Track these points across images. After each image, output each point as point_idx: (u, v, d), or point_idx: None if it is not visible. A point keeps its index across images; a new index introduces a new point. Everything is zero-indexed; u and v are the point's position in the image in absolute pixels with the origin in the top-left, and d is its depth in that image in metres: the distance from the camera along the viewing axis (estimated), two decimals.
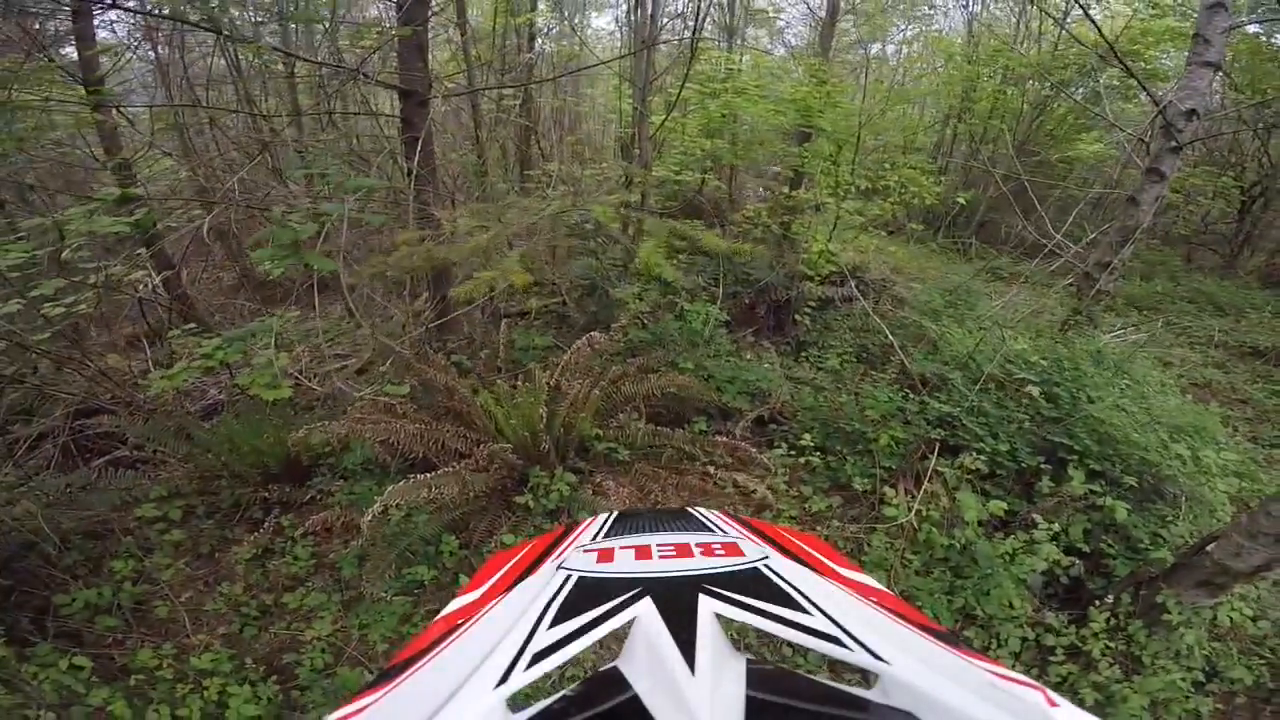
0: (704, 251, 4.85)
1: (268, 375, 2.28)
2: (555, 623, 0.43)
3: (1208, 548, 2.23)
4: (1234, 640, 2.44)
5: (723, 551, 0.57)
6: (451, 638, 0.46)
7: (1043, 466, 2.85)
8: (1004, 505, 2.62)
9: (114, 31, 5.20)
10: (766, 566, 0.53)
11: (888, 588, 0.57)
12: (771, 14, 10.48)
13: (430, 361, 3.36)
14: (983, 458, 2.89)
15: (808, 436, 3.34)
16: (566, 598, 0.47)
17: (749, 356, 4.37)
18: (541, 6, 7.56)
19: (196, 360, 2.38)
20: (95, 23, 3.76)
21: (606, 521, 0.73)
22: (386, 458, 3.12)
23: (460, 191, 5.49)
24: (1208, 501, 2.73)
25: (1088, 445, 2.85)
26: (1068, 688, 2.18)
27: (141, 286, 3.90)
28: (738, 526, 0.69)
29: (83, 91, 3.53)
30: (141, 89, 6.14)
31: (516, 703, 0.36)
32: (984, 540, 2.54)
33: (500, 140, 6.67)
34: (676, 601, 0.44)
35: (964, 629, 2.42)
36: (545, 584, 0.51)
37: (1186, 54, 3.76)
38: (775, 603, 0.45)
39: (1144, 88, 4.00)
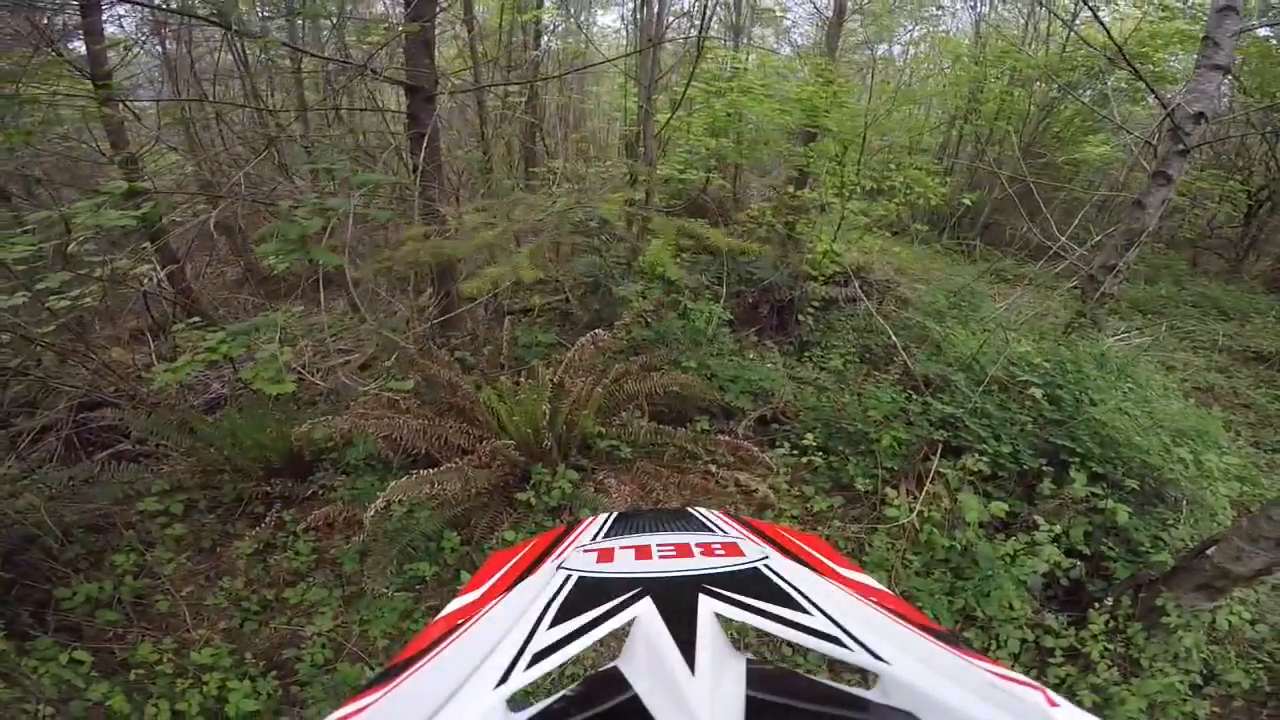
0: (708, 250, 4.85)
1: (272, 369, 2.28)
2: (555, 623, 0.43)
3: (1208, 551, 2.23)
4: (1232, 644, 2.44)
5: (723, 551, 0.57)
6: (451, 637, 0.46)
7: (1044, 468, 2.85)
8: (1005, 507, 2.62)
9: (122, 26, 5.22)
10: (766, 566, 0.53)
11: (888, 588, 0.57)
12: (778, 14, 10.46)
13: (434, 357, 3.36)
14: (985, 459, 2.89)
15: (810, 436, 3.34)
16: (566, 598, 0.47)
17: (752, 356, 4.37)
18: (548, 3, 7.56)
19: (200, 354, 2.38)
20: (104, 17, 3.77)
21: (606, 521, 0.73)
22: (389, 453, 3.13)
23: (465, 188, 5.49)
24: (1209, 505, 2.73)
25: (1090, 448, 2.84)
26: (1066, 689, 2.18)
27: (146, 280, 3.92)
28: (738, 526, 0.69)
29: (90, 86, 3.53)
30: (148, 84, 6.15)
31: (516, 702, 0.37)
32: (985, 541, 2.54)
33: (505, 137, 6.67)
34: (676, 601, 0.44)
35: (964, 630, 2.41)
36: (545, 584, 0.51)
37: (1195, 57, 3.74)
38: (775, 603, 0.45)
39: (1152, 90, 3.99)
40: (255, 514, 3.06)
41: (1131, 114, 8.59)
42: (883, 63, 11.43)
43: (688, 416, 3.60)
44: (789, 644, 2.32)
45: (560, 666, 0.39)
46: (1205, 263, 8.87)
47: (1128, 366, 3.49)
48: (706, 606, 0.43)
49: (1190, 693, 2.22)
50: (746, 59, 7.89)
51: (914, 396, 3.41)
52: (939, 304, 4.80)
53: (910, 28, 11.53)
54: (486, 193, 5.23)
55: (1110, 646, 2.31)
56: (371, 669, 2.29)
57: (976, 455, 2.92)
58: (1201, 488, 2.78)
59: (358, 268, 3.44)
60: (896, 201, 5.17)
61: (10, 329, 2.92)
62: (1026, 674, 0.37)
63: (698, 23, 5.29)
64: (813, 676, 0.37)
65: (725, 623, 0.42)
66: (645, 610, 0.43)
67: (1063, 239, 3.88)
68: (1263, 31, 7.36)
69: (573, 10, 8.10)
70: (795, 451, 3.35)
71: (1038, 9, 8.81)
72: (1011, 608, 2.39)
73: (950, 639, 0.42)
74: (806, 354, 4.55)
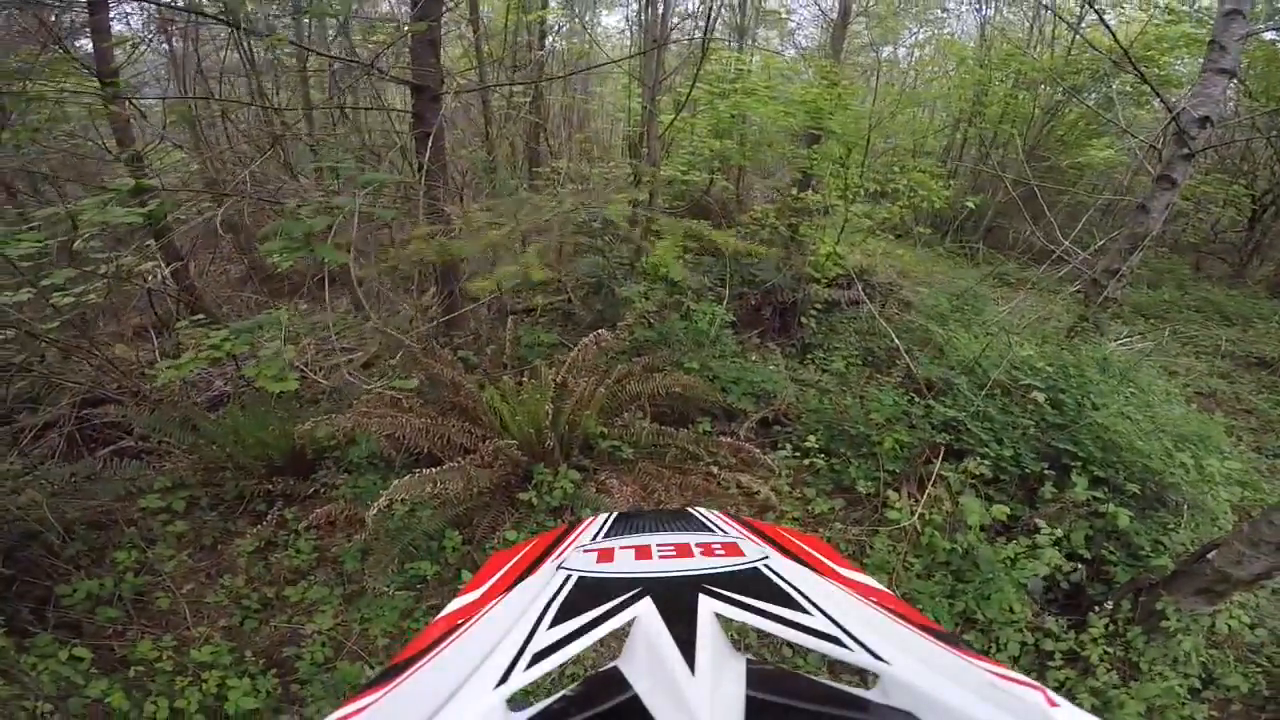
0: (710, 252, 4.85)
1: (275, 367, 2.29)
2: (555, 623, 0.43)
3: (1209, 555, 2.23)
4: (1231, 648, 2.45)
5: (723, 551, 0.57)
6: (452, 637, 0.46)
7: (1046, 472, 2.85)
8: (1007, 510, 2.61)
9: (129, 24, 5.24)
10: (766, 566, 0.53)
11: (889, 590, 0.57)
12: (783, 15, 10.45)
13: (437, 356, 3.37)
14: (987, 463, 2.89)
15: (812, 439, 3.34)
16: (567, 598, 0.47)
17: (754, 358, 4.36)
18: (553, 4, 7.57)
19: (204, 351, 2.39)
20: (110, 15, 3.78)
21: (606, 521, 0.73)
22: (391, 452, 3.13)
23: (469, 188, 5.50)
24: (1210, 510, 2.73)
25: (1092, 452, 2.84)
26: (1065, 693, 2.17)
27: (151, 278, 3.93)
28: (738, 527, 0.69)
29: (97, 84, 3.55)
30: (154, 81, 6.17)
31: (516, 702, 0.37)
32: (986, 545, 2.54)
33: (510, 137, 6.68)
34: (676, 601, 0.44)
35: (964, 633, 2.41)
36: (545, 584, 0.51)
37: (1201, 60, 3.73)
38: (775, 603, 0.45)
39: (1157, 94, 3.98)
40: (257, 512, 3.06)
41: (1136, 118, 8.57)
42: (887, 65, 11.43)
43: (690, 418, 3.60)
44: (789, 644, 2.32)
45: (560, 666, 0.39)
46: (1209, 267, 8.84)
47: (1130, 371, 3.49)
48: (706, 606, 0.43)
49: (1189, 696, 2.22)
50: (751, 60, 7.89)
51: (916, 399, 3.41)
52: (942, 307, 4.79)
53: (915, 30, 11.54)
54: (491, 192, 5.23)
55: (1110, 650, 2.31)
56: (371, 667, 2.29)
57: (978, 459, 2.92)
58: (1203, 492, 2.77)
59: (362, 266, 3.45)
60: (900, 204, 5.16)
61: (15, 325, 2.92)
62: (1026, 676, 0.37)
63: (702, 24, 5.30)
64: (813, 677, 0.37)
65: (725, 623, 0.42)
66: (645, 610, 0.43)
67: (1066, 243, 3.88)
68: (1269, 35, 7.33)
69: (577, 10, 8.11)
70: (797, 454, 3.35)
71: (1043, 12, 8.80)
72: (1012, 611, 2.39)
73: (950, 639, 0.42)
74: (809, 356, 4.55)
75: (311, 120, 5.44)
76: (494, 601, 0.53)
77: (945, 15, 11.17)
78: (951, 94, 9.72)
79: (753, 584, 0.49)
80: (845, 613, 0.44)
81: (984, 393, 3.23)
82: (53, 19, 3.80)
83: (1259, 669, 2.39)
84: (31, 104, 3.18)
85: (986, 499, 2.79)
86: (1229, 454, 3.13)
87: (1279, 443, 4.22)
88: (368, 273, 3.65)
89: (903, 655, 0.38)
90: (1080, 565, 2.58)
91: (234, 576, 2.70)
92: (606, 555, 0.57)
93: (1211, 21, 3.98)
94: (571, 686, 0.36)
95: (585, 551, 0.60)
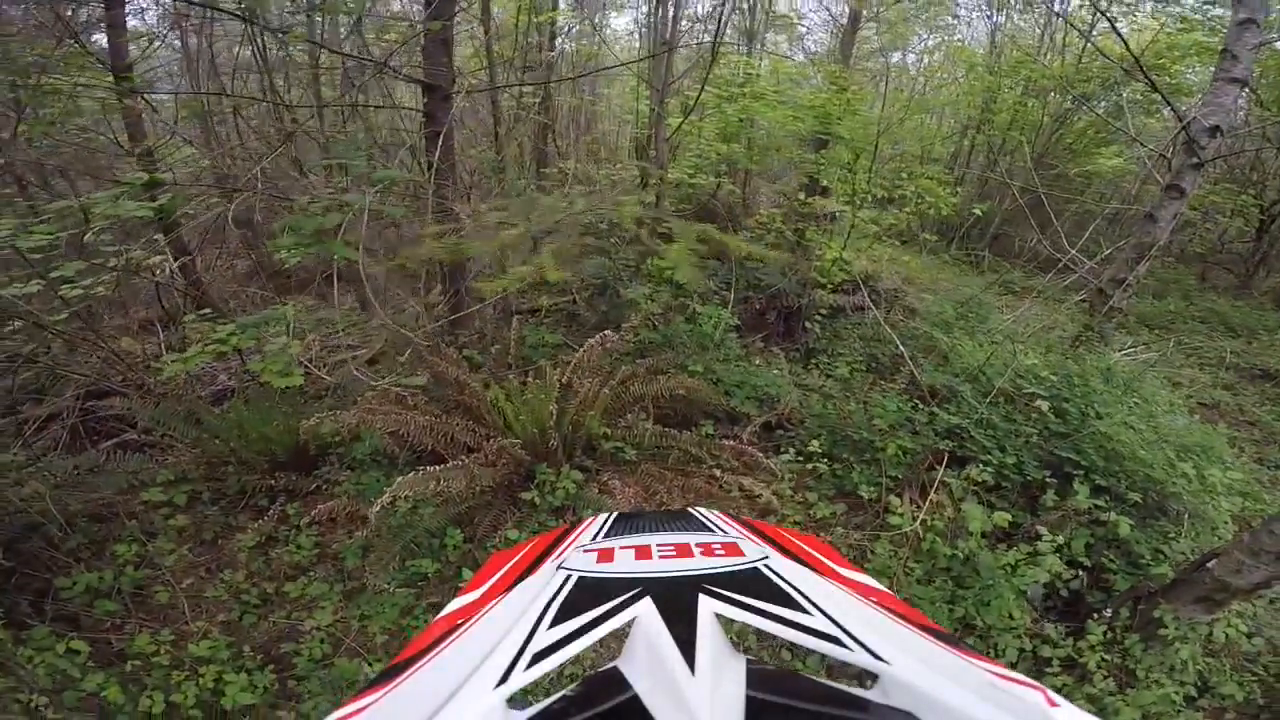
0: (716, 255, 4.84)
1: (280, 362, 2.30)
2: (555, 623, 0.43)
3: (1209, 564, 2.23)
4: (1228, 656, 2.45)
5: (723, 551, 0.57)
6: (452, 637, 0.46)
7: (1048, 480, 2.85)
8: (1008, 517, 2.62)
9: (144, 19, 5.27)
10: (766, 566, 0.53)
11: (889, 590, 0.57)
12: (794, 20, 10.44)
13: (442, 355, 3.38)
14: (989, 470, 2.89)
15: (815, 443, 3.34)
16: (567, 598, 0.47)
17: (758, 362, 4.36)
18: (563, 5, 7.58)
19: (210, 345, 2.40)
20: (125, 10, 3.81)
21: (606, 522, 0.73)
22: (395, 449, 3.14)
23: (477, 188, 5.51)
24: (1210, 519, 2.73)
25: (1094, 461, 2.84)
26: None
27: (159, 271, 3.95)
28: (738, 527, 0.69)
29: (111, 78, 3.57)
30: (167, 77, 6.21)
31: (516, 702, 0.37)
32: (987, 551, 2.54)
33: (518, 138, 6.69)
34: (676, 601, 0.44)
35: (962, 638, 2.41)
36: (545, 584, 0.51)
37: (1213, 69, 3.72)
38: (775, 603, 0.45)
39: (1168, 103, 3.97)
40: (258, 507, 3.06)
41: (1146, 126, 8.54)
42: (896, 71, 11.40)
43: (693, 420, 3.60)
44: (788, 645, 2.32)
45: (560, 666, 0.39)
46: (1215, 278, 8.79)
47: (1134, 381, 3.48)
48: (706, 606, 0.43)
49: (1184, 704, 2.23)
50: (760, 64, 7.88)
51: (920, 406, 3.40)
52: (947, 314, 4.78)
53: (925, 36, 11.50)
54: (499, 192, 5.25)
55: (1107, 657, 2.32)
56: (369, 664, 2.29)
57: (981, 466, 2.92)
58: (1204, 502, 2.78)
59: (369, 264, 3.46)
60: (907, 210, 5.15)
61: (23, 316, 2.94)
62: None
63: (712, 28, 5.30)
64: (813, 677, 0.37)
65: (725, 623, 0.43)
66: (645, 610, 0.43)
67: (1073, 251, 3.87)
68: None
69: (587, 12, 8.13)
70: (800, 458, 3.35)
71: (1054, 20, 8.77)
72: (1011, 617, 2.40)
73: (950, 639, 0.42)
74: (813, 361, 4.54)
75: (322, 118, 5.46)
76: (494, 601, 0.53)
77: (956, 22, 11.13)
78: (960, 100, 9.69)
79: (753, 584, 0.49)
80: (845, 613, 0.44)
81: (988, 400, 3.22)
82: (69, 13, 3.83)
83: (1254, 678, 2.40)
84: (47, 97, 3.20)
85: (988, 506, 2.79)
86: (1231, 464, 3.13)
87: None
88: (376, 270, 3.66)
89: (903, 655, 0.38)
90: (1080, 573, 2.58)
91: (234, 571, 2.71)
92: (606, 555, 0.57)
93: (1224, 30, 3.96)
94: (571, 686, 0.36)
95: (585, 551, 0.60)
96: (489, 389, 3.15)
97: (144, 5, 5.03)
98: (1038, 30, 9.90)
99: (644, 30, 8.47)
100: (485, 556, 2.44)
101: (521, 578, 0.58)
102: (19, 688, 2.01)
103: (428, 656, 0.43)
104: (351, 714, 0.36)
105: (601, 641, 0.42)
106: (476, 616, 0.50)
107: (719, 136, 6.25)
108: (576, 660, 1.93)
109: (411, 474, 2.58)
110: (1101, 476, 2.80)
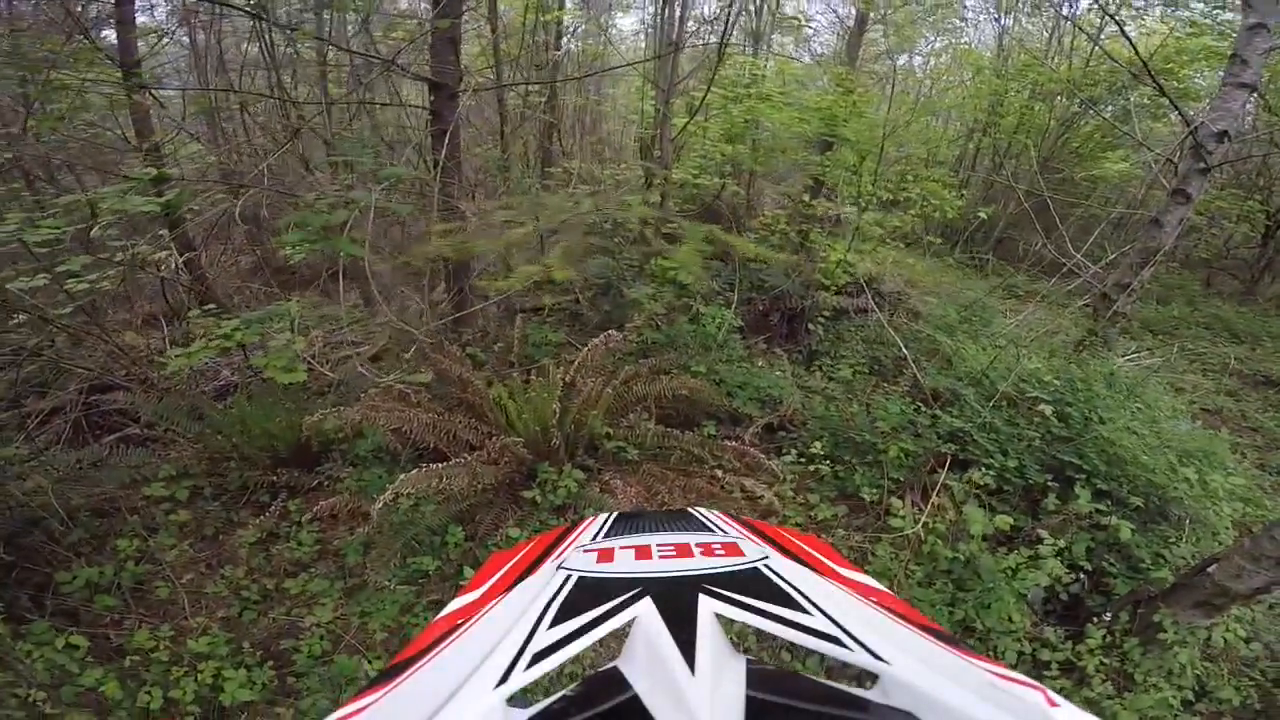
0: (719, 256, 4.84)
1: (284, 358, 2.31)
2: (555, 623, 0.43)
3: (1209, 569, 2.23)
4: (1226, 661, 2.45)
5: (723, 551, 0.57)
6: (452, 637, 0.46)
7: (1050, 484, 2.85)
8: (1010, 520, 2.62)
9: (153, 15, 5.29)
10: (766, 566, 0.53)
11: (889, 590, 0.57)
12: (800, 21, 10.42)
13: (446, 352, 3.38)
14: (991, 473, 2.89)
15: (817, 445, 3.34)
16: (567, 598, 0.47)
17: (761, 363, 4.36)
18: (569, 5, 7.58)
19: (214, 340, 2.41)
20: (135, 6, 3.82)
21: (606, 521, 0.73)
22: (398, 446, 3.14)
23: (482, 186, 5.52)
24: (1211, 524, 2.73)
25: (1096, 465, 2.84)
26: None
27: (164, 266, 3.96)
28: (738, 527, 0.69)
29: (120, 74, 3.59)
30: (175, 73, 6.23)
31: (516, 702, 0.37)
32: (987, 554, 2.54)
33: (524, 136, 6.70)
34: (676, 601, 0.44)
35: (963, 640, 2.41)
36: (545, 584, 0.51)
37: (1221, 74, 3.70)
38: (775, 602, 0.45)
39: (1176, 107, 3.95)
40: (260, 503, 3.06)
41: (1153, 131, 8.50)
42: (903, 73, 11.37)
43: (695, 421, 3.60)
44: (788, 645, 2.32)
45: (560, 666, 0.39)
46: (1219, 283, 8.76)
47: (1137, 387, 3.47)
48: (706, 606, 0.43)
49: (1182, 708, 2.23)
50: (765, 66, 7.87)
51: (923, 409, 3.40)
52: (950, 318, 4.77)
53: (932, 39, 11.47)
54: (505, 191, 5.25)
55: (1106, 661, 2.32)
56: (369, 661, 2.29)
57: (983, 469, 2.91)
58: (1205, 507, 2.77)
59: (375, 261, 3.47)
60: (912, 213, 5.14)
61: (28, 309, 2.95)
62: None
63: (720, 29, 5.30)
64: (813, 677, 0.37)
65: (725, 623, 0.43)
66: (645, 610, 0.43)
67: (1077, 256, 3.86)
68: None
69: (593, 11, 8.13)
70: (802, 459, 3.35)
71: (1062, 23, 8.75)
72: (1011, 620, 2.40)
73: (950, 639, 0.42)
74: (816, 363, 4.54)
75: (329, 115, 5.48)
76: (494, 601, 0.53)
77: (963, 24, 11.11)
78: (966, 103, 9.67)
79: (753, 584, 0.49)
80: (845, 613, 0.44)
81: (991, 404, 3.22)
82: (79, 9, 3.84)
83: (1252, 683, 2.40)
84: (55, 93, 3.22)
85: (990, 509, 2.78)
86: (1233, 470, 3.12)
87: None
88: (381, 267, 3.67)
89: (903, 655, 0.38)
90: (1081, 576, 2.58)
91: (234, 567, 2.70)
92: (606, 555, 0.57)
93: (1234, 34, 3.95)
94: (571, 686, 0.36)
95: (585, 551, 0.60)
96: (492, 387, 3.15)
97: (153, 1, 5.05)
98: (1045, 33, 9.88)
99: (650, 31, 8.49)
100: (486, 554, 2.45)
101: (521, 577, 0.57)
102: (17, 682, 2.00)
103: (428, 656, 0.43)
104: (351, 714, 0.36)
105: (601, 641, 0.42)
106: (476, 616, 0.50)
107: (724, 137, 6.25)
108: (576, 660, 1.93)
109: (414, 471, 2.58)
110: (1103, 481, 2.80)
